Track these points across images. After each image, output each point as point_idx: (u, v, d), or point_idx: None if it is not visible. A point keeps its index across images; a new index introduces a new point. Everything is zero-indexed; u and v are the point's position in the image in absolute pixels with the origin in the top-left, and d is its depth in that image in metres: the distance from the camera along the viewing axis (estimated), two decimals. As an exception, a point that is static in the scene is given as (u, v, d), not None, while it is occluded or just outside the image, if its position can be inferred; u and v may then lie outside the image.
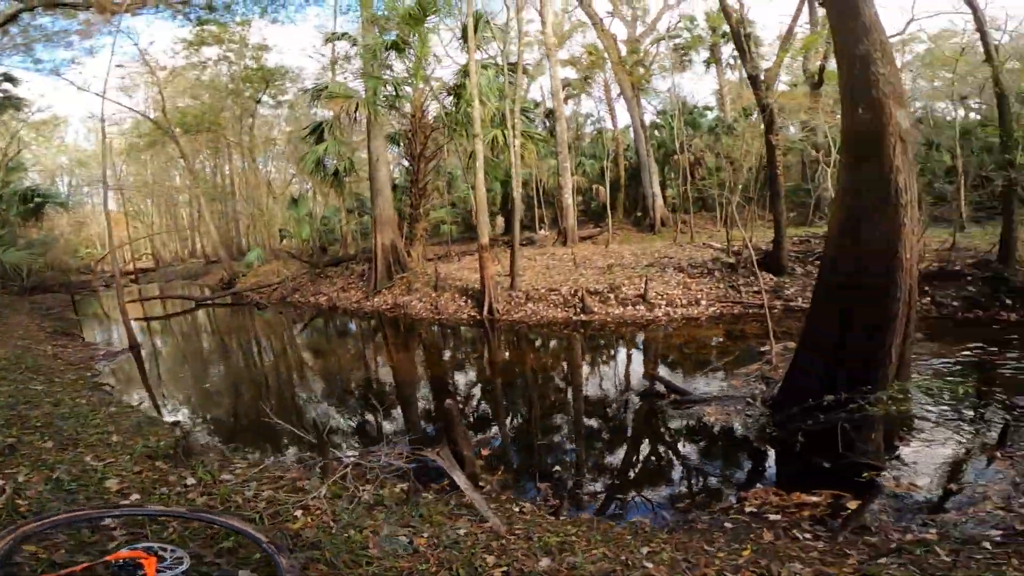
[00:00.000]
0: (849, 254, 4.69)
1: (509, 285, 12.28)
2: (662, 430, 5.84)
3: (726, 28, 15.40)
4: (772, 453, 4.89)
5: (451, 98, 15.53)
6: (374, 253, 14.89)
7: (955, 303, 9.00)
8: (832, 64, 15.80)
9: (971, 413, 5.29)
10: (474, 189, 12.63)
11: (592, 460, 5.27)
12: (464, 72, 14.00)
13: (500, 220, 26.67)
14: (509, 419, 6.66)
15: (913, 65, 20.95)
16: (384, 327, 12.85)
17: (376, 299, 14.29)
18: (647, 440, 5.77)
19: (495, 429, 6.32)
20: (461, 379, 8.59)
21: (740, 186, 13.62)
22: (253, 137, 29.90)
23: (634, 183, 26.15)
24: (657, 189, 22.72)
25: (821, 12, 16.04)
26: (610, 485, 4.75)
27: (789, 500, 3.89)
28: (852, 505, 3.74)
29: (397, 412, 7.25)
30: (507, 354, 9.75)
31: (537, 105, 28.34)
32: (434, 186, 25.80)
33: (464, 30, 12.98)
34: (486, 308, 11.59)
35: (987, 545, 2.93)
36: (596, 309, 11.01)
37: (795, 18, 12.47)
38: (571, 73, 28.93)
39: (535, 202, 24.45)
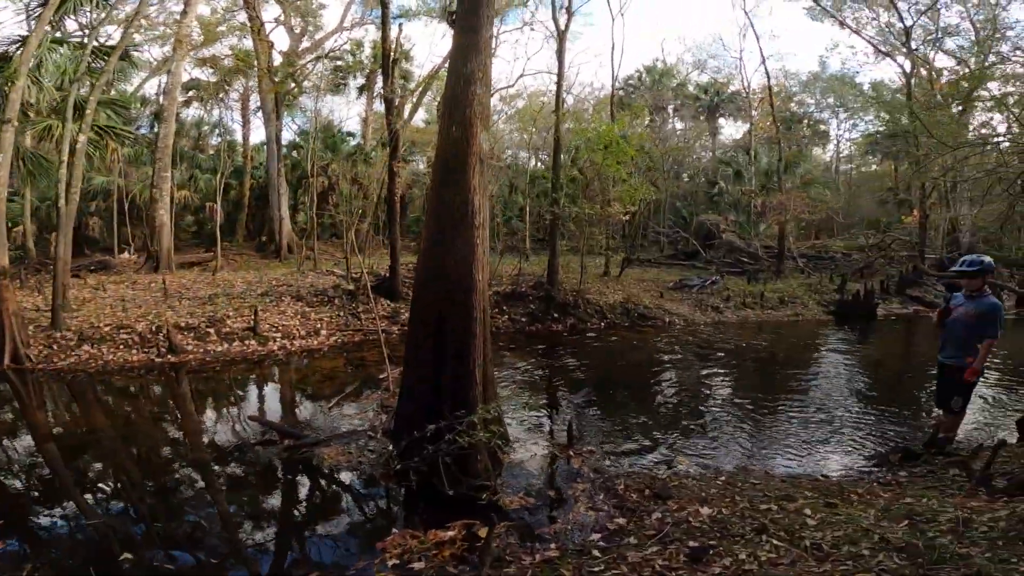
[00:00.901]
0: (435, 276, 4.79)
1: (50, 323, 8.86)
2: (275, 488, 4.90)
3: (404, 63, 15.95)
4: (401, 490, 4.56)
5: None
6: None
7: (523, 318, 11.15)
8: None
9: (541, 417, 6.33)
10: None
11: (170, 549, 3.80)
12: (20, 43, 9.80)
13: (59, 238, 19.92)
14: (31, 504, 4.36)
15: (512, 119, 26.07)
16: None
17: None
18: (251, 508, 4.59)
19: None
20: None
21: (369, 213, 13.87)
22: None
23: (260, 204, 23.90)
24: (286, 212, 21.28)
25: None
26: (209, 567, 3.55)
27: (428, 541, 3.62)
28: (483, 533, 3.67)
29: None
30: (43, 414, 6.80)
31: (146, 103, 23.02)
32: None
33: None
34: (8, 355, 8.00)
35: (596, 552, 3.15)
36: (190, 348, 8.99)
37: (444, 60, 13.67)
38: (209, 76, 24.72)
39: (117, 218, 19.26)
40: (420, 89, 21.85)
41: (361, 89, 27.93)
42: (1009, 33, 15.42)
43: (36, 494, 4.76)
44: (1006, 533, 2.60)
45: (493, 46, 5.70)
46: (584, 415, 6.47)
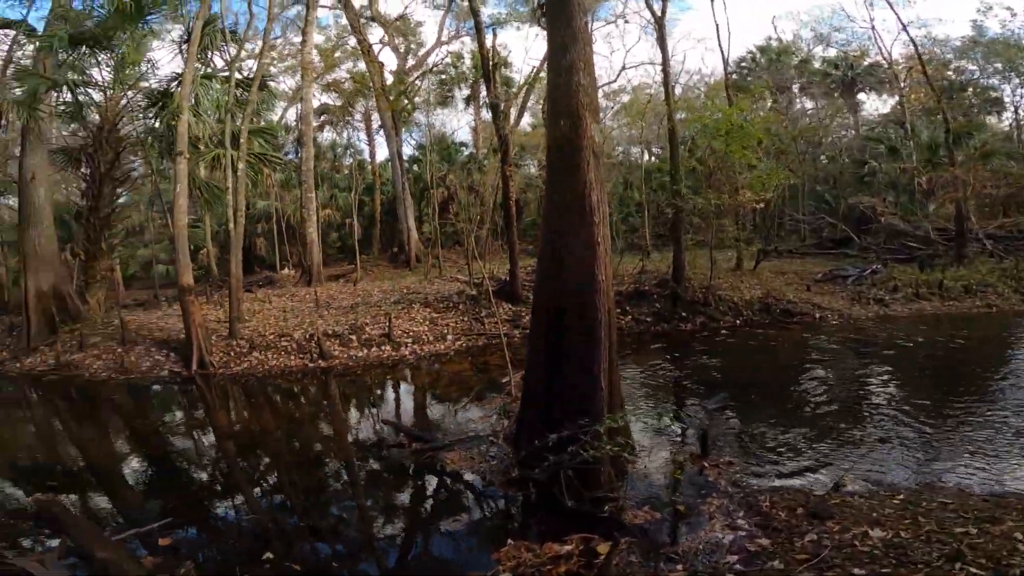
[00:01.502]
0: (554, 276, 4.59)
1: (228, 332, 10.26)
2: (404, 487, 5.16)
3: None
4: (519, 498, 4.48)
5: (156, 108, 12.74)
6: (24, 300, 11.07)
7: (648, 319, 10.58)
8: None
9: (671, 424, 5.89)
10: (171, 215, 10.37)
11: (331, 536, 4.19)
12: (178, 80, 11.70)
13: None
14: (210, 497, 5.09)
15: (620, 114, 25.44)
16: (42, 393, 9.41)
17: (30, 359, 10.52)
18: (384, 504, 4.88)
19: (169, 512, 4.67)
20: (159, 448, 6.49)
21: (487, 219, 14.25)
22: None
23: (390, 218, 25.78)
24: (412, 224, 22.70)
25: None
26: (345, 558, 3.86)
27: (543, 554, 3.54)
28: (602, 549, 3.50)
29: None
30: (224, 413, 7.92)
31: (289, 131, 26.13)
32: (144, 218, 21.31)
33: (189, 33, 10.74)
34: (195, 361, 9.39)
35: (732, 576, 2.83)
36: (336, 353, 9.86)
37: (543, 62, 13.87)
38: (334, 100, 27.62)
39: (277, 238, 22.01)
40: (523, 92, 22.12)
41: (467, 99, 28.98)
42: None
43: (213, 487, 5.48)
44: None
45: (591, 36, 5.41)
46: (720, 422, 5.88)
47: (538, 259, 5.10)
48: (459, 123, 41.29)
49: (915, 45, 18.13)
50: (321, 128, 28.41)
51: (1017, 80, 25.13)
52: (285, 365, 9.56)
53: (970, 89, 25.70)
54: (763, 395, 6.65)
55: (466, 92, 28.49)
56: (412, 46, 26.31)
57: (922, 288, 11.45)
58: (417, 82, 23.86)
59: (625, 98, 23.74)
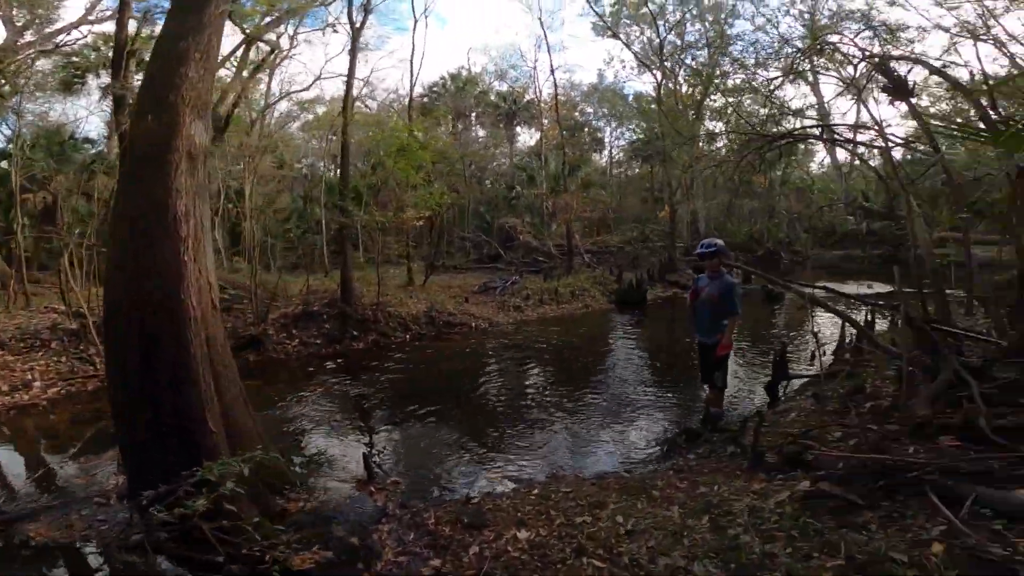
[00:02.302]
0: (128, 300, 3.62)
1: None
2: None
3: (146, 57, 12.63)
4: (140, 565, 3.27)
5: None
6: None
7: (318, 341, 9.89)
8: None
9: (345, 449, 5.43)
10: None
11: None
12: None
13: None
14: None
15: (311, 126, 23.64)
16: None
17: None
18: None
19: None
20: None
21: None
22: None
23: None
24: (-11, 240, 15.82)
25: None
26: None
27: None
28: None
29: None
30: None
31: None
32: None
33: None
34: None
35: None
36: None
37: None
38: None
39: None
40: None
41: (106, 89, 22.52)
42: (732, 49, 17.95)
43: None
44: (795, 520, 2.74)
45: (287, 44, 4.61)
46: (388, 440, 5.78)
47: (104, 288, 3.94)
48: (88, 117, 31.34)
49: (555, 86, 22.46)
50: None
51: (616, 123, 32.68)
52: None
53: (586, 129, 33.45)
54: (428, 405, 6.86)
55: (107, 79, 21.83)
56: (38, 21, 18.63)
57: (545, 295, 14.21)
58: (30, 60, 16.92)
59: (321, 110, 22.43)
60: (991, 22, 8.55)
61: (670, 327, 12.82)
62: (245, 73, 15.53)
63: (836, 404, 4.91)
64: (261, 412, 5.31)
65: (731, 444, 4.37)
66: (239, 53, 14.58)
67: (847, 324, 6.67)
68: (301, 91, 20.46)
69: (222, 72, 13.61)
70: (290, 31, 15.32)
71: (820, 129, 10.30)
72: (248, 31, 12.40)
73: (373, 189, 14.37)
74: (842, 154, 26.20)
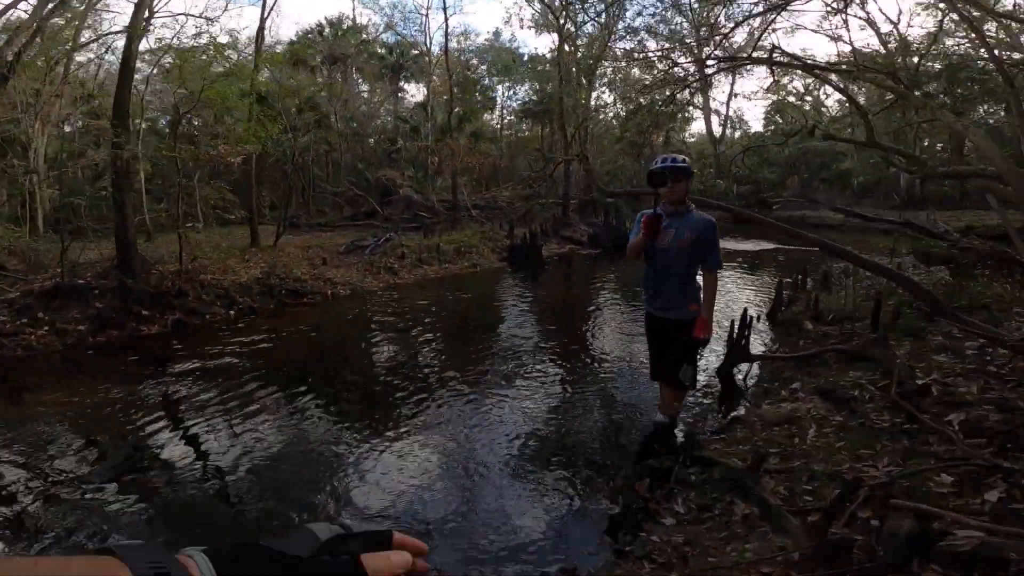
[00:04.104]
0: None
1: None
2: None
3: None
4: None
5: None
6: None
7: (82, 327, 6.69)
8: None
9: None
10: None
11: None
12: None
13: None
14: None
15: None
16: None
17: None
18: None
19: None
20: None
21: None
22: None
23: None
24: None
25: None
26: None
27: None
28: None
29: None
30: None
31: None
32: None
33: None
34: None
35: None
36: None
37: None
38: None
39: None
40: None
41: None
42: (628, 13, 16.95)
43: None
44: None
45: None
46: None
47: None
48: None
49: (446, 39, 19.90)
50: None
51: (508, 83, 31.54)
52: None
53: (478, 86, 31.12)
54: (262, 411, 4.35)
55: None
56: None
57: (424, 253, 11.79)
58: None
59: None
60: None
61: (569, 284, 11.16)
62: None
63: (876, 410, 3.25)
64: None
65: (735, 495, 2.45)
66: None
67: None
68: (117, 32, 15.56)
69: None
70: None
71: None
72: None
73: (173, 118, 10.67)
74: (715, 122, 30.78)
